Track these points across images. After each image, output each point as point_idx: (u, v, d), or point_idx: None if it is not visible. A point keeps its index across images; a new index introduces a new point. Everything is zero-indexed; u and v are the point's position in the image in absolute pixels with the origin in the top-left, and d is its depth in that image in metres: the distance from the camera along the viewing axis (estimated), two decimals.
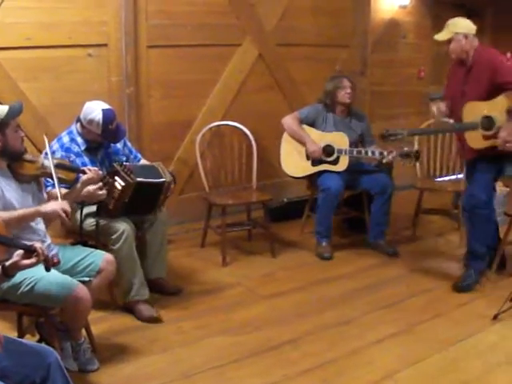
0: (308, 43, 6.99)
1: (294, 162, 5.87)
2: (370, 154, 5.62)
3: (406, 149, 5.42)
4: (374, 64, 7.55)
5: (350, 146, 5.72)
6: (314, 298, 4.89)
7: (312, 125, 5.83)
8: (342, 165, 5.68)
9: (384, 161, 5.53)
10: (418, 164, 5.99)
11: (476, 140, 4.80)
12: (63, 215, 3.48)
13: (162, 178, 4.44)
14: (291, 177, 5.99)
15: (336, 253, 5.79)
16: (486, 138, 4.75)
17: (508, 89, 4.63)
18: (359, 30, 7.39)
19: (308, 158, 5.77)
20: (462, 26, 4.86)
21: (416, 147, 5.74)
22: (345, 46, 7.37)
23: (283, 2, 6.79)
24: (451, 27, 4.85)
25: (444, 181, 6.46)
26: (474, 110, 4.77)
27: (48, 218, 3.62)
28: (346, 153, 5.65)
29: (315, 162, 5.75)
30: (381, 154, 5.54)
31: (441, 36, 4.89)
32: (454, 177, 6.39)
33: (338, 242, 6.08)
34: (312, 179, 5.90)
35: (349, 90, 5.77)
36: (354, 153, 5.64)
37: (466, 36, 4.83)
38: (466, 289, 4.97)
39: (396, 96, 7.88)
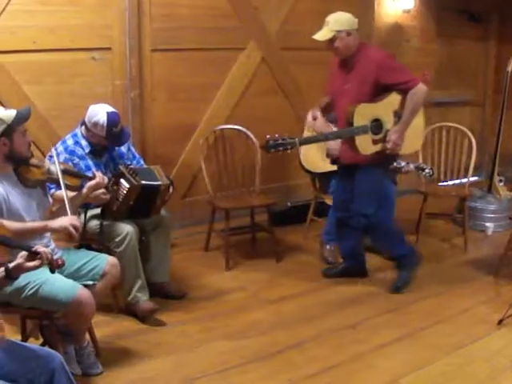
0: (312, 47, 6.88)
1: (313, 157, 5.83)
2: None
3: (421, 164, 5.64)
4: None
5: None
6: (318, 302, 4.88)
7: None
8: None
9: (403, 170, 5.51)
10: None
11: (366, 145, 4.64)
12: (73, 231, 3.47)
13: (159, 181, 4.44)
14: (306, 171, 5.98)
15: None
16: (374, 142, 4.66)
17: (397, 89, 4.59)
18: (363, 34, 7.27)
19: (328, 155, 5.69)
20: (343, 23, 4.60)
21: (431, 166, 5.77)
22: None
23: (287, 5, 6.79)
24: (332, 25, 4.59)
25: (448, 185, 6.44)
26: (365, 113, 4.59)
27: (57, 232, 3.62)
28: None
29: (334, 161, 5.70)
30: (398, 163, 5.50)
31: (321, 35, 4.62)
32: (457, 181, 6.38)
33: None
34: (321, 180, 5.87)
35: None
36: None
37: (348, 33, 4.59)
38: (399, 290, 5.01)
39: None
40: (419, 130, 4.90)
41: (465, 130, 6.28)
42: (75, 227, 3.47)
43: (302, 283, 5.20)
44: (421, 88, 4.58)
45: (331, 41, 4.62)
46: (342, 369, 3.88)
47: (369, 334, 4.35)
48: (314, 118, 4.86)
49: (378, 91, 4.60)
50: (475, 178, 7.45)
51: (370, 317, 4.60)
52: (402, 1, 7.60)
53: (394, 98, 4.66)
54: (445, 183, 6.44)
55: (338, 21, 4.59)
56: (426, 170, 5.56)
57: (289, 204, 6.69)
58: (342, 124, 4.75)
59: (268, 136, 4.40)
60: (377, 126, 4.63)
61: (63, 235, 4.40)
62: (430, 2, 7.89)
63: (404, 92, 4.60)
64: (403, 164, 5.49)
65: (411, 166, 5.54)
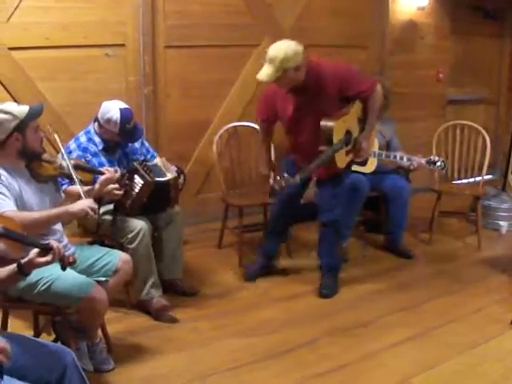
0: (326, 44, 6.95)
1: None
2: (398, 158, 5.56)
3: (432, 157, 5.45)
4: (392, 65, 7.50)
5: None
6: (330, 300, 4.88)
7: None
8: (370, 166, 5.63)
9: (412, 168, 5.49)
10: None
11: (341, 158, 4.65)
12: (91, 213, 3.49)
13: (165, 175, 4.46)
14: None
15: (353, 255, 5.78)
16: (347, 152, 4.69)
17: (360, 98, 4.58)
18: (377, 32, 7.36)
19: None
20: (290, 59, 4.29)
21: (442, 158, 5.64)
22: (363, 47, 7.34)
23: (301, 2, 6.77)
24: (279, 63, 4.25)
25: (462, 183, 6.42)
26: (340, 127, 4.55)
27: (76, 216, 3.65)
28: (375, 155, 5.60)
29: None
30: (409, 159, 5.49)
31: (267, 75, 4.31)
32: (471, 180, 6.35)
33: (355, 244, 6.05)
34: None
35: None
36: (383, 156, 5.59)
37: (297, 68, 4.35)
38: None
39: (414, 98, 7.82)
40: (374, 131, 5.04)
41: (479, 128, 6.26)
42: (93, 209, 3.51)
43: (313, 281, 5.16)
44: (378, 90, 4.67)
45: (276, 78, 4.37)
46: (353, 367, 3.88)
47: (381, 332, 4.34)
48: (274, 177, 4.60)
49: (342, 103, 4.59)
50: (489, 177, 7.42)
51: (382, 315, 4.59)
52: None
53: (357, 107, 4.71)
54: (459, 181, 6.42)
55: (285, 58, 4.26)
56: (438, 163, 5.51)
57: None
58: (308, 147, 4.61)
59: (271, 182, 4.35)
60: (348, 137, 4.67)
61: (76, 231, 4.46)
62: None
63: (366, 99, 4.64)
64: (414, 159, 5.47)
65: (422, 161, 5.51)
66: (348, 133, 4.67)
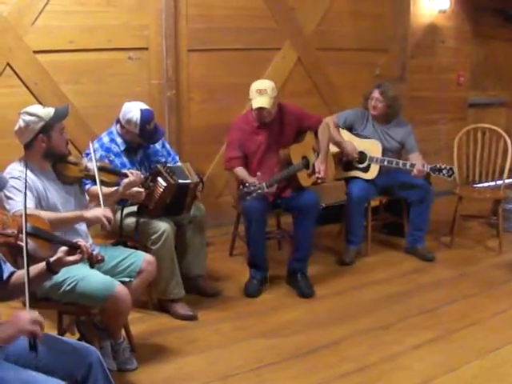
0: (347, 47, 6.98)
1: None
2: (401, 165, 5.55)
3: (438, 165, 5.40)
4: (413, 69, 7.51)
5: (387, 153, 5.69)
6: (352, 302, 4.89)
7: (350, 129, 5.80)
8: (372, 173, 5.67)
9: (412, 174, 5.46)
10: (456, 171, 5.89)
11: (304, 178, 5.14)
12: (106, 222, 3.54)
13: (188, 178, 4.48)
14: None
15: (374, 258, 5.82)
16: (308, 175, 5.19)
17: (311, 129, 5.23)
18: (399, 35, 7.36)
19: (340, 161, 5.74)
20: (274, 89, 4.93)
21: (449, 166, 5.53)
22: (384, 50, 7.34)
23: (323, 6, 6.80)
24: (271, 91, 4.87)
25: (483, 187, 6.40)
26: (297, 152, 5.09)
27: (90, 223, 3.71)
28: (377, 161, 5.62)
29: (346, 167, 5.74)
30: (412, 165, 5.46)
31: (267, 103, 4.87)
32: (493, 183, 6.33)
33: (377, 246, 6.06)
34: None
35: (374, 102, 5.69)
36: (386, 162, 5.59)
37: (277, 98, 4.98)
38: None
39: (435, 101, 7.82)
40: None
41: (500, 131, 6.22)
42: (108, 218, 3.55)
43: (334, 283, 5.21)
44: (325, 122, 5.32)
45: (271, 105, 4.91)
46: (374, 369, 3.88)
47: (402, 334, 4.34)
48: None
49: (299, 133, 5.19)
50: (511, 180, 7.41)
51: (403, 318, 4.59)
52: (437, 1, 7.58)
53: (309, 137, 5.24)
54: (480, 185, 6.40)
55: (274, 88, 4.90)
56: (444, 171, 5.42)
57: (323, 205, 6.68)
58: (269, 171, 4.96)
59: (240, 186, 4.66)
60: (306, 162, 5.17)
61: (100, 232, 4.50)
62: (466, 2, 7.86)
63: (315, 130, 5.25)
64: (416, 166, 5.42)
65: (425, 169, 5.41)
66: (304, 158, 5.17)
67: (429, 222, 5.81)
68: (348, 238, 5.78)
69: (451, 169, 5.43)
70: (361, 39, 7.09)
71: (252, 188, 4.53)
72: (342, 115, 5.86)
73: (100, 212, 3.56)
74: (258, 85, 4.92)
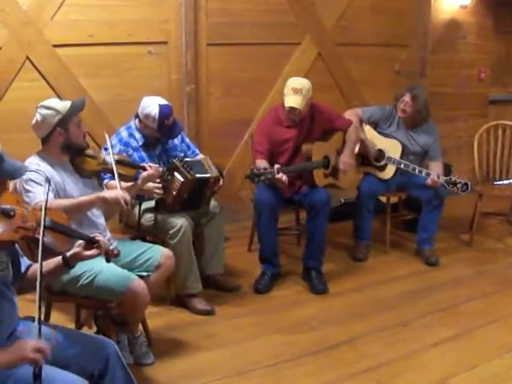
0: (367, 43, 6.95)
1: None
2: (417, 171, 5.42)
3: (453, 178, 5.31)
4: (433, 65, 7.46)
5: (410, 155, 5.62)
6: (369, 299, 4.87)
7: (375, 125, 5.76)
8: (388, 173, 5.61)
9: (426, 183, 5.37)
10: (477, 167, 5.83)
11: (320, 177, 5.13)
12: (123, 203, 3.54)
13: (207, 173, 4.46)
14: None
15: (393, 254, 5.80)
16: (325, 175, 5.18)
17: (340, 130, 5.25)
18: (419, 30, 7.32)
19: (357, 156, 5.68)
20: (310, 90, 4.87)
21: (465, 180, 5.35)
22: (404, 45, 7.30)
23: (343, 1, 6.77)
24: (305, 93, 4.82)
25: (503, 184, 6.34)
26: (319, 150, 5.08)
27: (108, 203, 3.61)
28: (394, 162, 5.56)
29: (364, 163, 5.69)
30: (427, 174, 5.36)
31: (299, 104, 4.82)
32: None
33: (395, 243, 6.04)
34: None
35: (403, 106, 5.58)
36: (402, 165, 5.50)
37: (309, 100, 4.93)
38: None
39: (455, 98, 7.77)
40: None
41: None
42: (126, 201, 3.55)
43: (352, 280, 5.19)
44: (354, 125, 5.32)
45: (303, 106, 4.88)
46: (391, 367, 3.86)
47: (420, 332, 4.32)
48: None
49: (327, 133, 5.21)
50: None
51: (421, 315, 4.56)
52: None
53: (336, 139, 5.26)
54: (500, 182, 6.35)
55: (309, 89, 4.85)
56: (458, 186, 5.27)
57: (342, 200, 6.66)
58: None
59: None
60: (326, 161, 5.17)
61: (118, 227, 4.50)
62: None
63: (344, 130, 5.27)
64: (431, 176, 5.32)
65: (440, 180, 5.29)
66: (326, 157, 5.15)
67: (438, 225, 5.70)
68: (357, 234, 5.76)
69: (466, 184, 5.26)
70: (381, 34, 7.06)
71: (262, 171, 4.54)
72: (367, 110, 5.78)
73: (118, 193, 3.56)
74: (294, 82, 4.87)
